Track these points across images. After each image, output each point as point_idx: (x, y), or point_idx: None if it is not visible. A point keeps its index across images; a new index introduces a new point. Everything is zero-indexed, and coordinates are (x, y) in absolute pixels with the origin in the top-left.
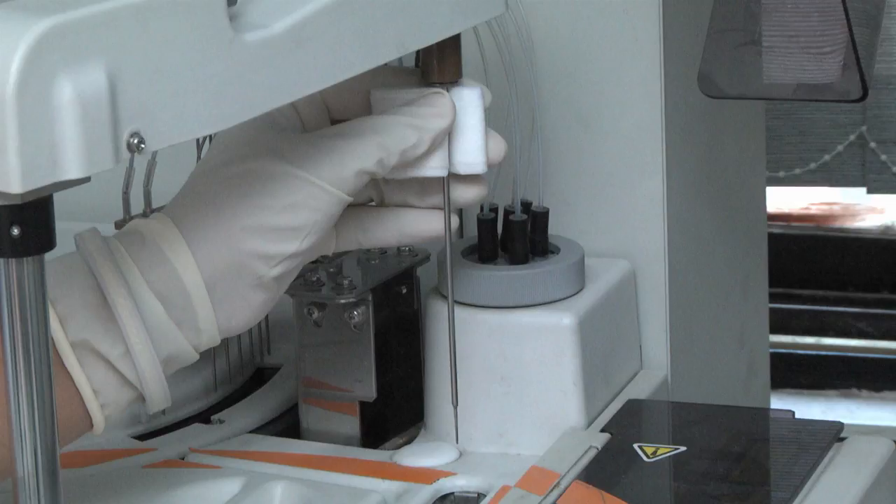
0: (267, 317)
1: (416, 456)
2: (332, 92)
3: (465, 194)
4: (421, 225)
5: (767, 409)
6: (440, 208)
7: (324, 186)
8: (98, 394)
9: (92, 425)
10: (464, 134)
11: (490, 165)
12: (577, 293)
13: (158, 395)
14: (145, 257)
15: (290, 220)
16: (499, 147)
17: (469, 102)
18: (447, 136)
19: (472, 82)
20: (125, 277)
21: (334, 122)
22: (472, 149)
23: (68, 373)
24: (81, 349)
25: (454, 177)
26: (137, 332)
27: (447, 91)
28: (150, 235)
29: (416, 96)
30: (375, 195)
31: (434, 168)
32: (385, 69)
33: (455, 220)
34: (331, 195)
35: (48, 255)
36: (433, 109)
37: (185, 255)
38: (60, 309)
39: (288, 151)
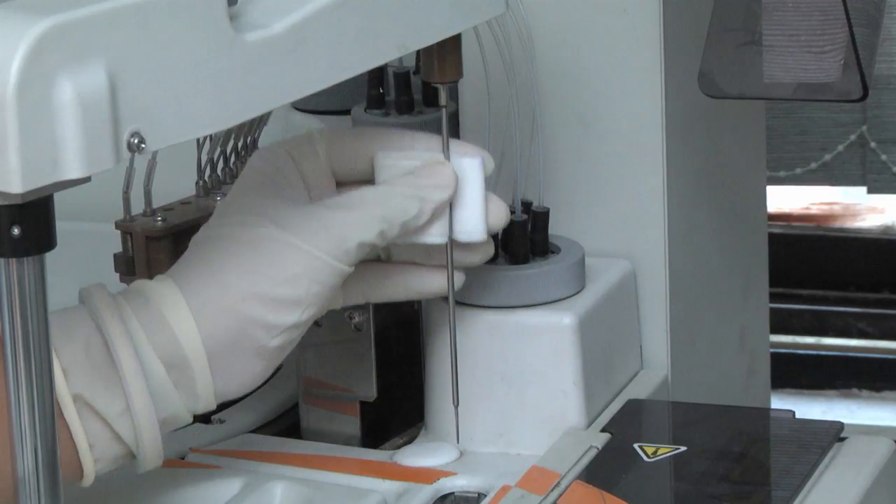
0: None
1: (416, 456)
2: (338, 156)
3: (469, 257)
4: (427, 283)
5: (768, 409)
6: (446, 267)
7: (325, 259)
8: (93, 448)
9: (82, 476)
10: (464, 203)
11: (490, 232)
12: (577, 293)
13: (153, 455)
14: (149, 320)
15: (291, 291)
16: (500, 213)
17: (470, 172)
18: (448, 205)
19: (473, 150)
20: (131, 336)
21: (339, 184)
22: (472, 218)
23: (66, 423)
24: (81, 402)
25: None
26: (140, 392)
27: (448, 160)
28: (154, 298)
29: (419, 163)
30: (382, 252)
31: (434, 235)
32: (390, 132)
33: (460, 277)
34: (332, 267)
35: (48, 256)
36: (435, 180)
37: (188, 321)
38: (63, 360)
39: (291, 223)
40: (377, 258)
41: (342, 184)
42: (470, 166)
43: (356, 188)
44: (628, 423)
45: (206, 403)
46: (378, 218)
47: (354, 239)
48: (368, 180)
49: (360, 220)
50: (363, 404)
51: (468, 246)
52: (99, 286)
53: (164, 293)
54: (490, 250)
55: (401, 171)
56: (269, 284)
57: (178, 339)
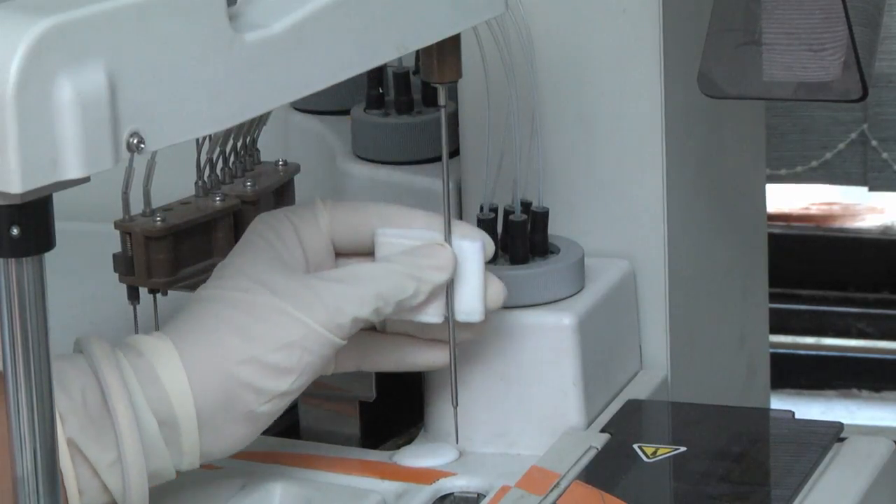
0: None
1: (416, 456)
2: (339, 227)
3: (462, 334)
4: (420, 356)
5: (767, 410)
6: (440, 341)
7: (319, 330)
8: (82, 495)
9: None
10: (463, 285)
11: (488, 313)
12: (577, 293)
13: None
14: (143, 375)
15: (284, 358)
16: (498, 294)
17: (469, 255)
18: (445, 287)
19: (474, 232)
20: (128, 389)
21: (339, 255)
22: (470, 300)
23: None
24: (74, 448)
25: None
26: (133, 444)
27: (449, 243)
28: (149, 353)
29: (419, 242)
30: (377, 322)
31: (431, 315)
32: (391, 208)
33: (464, 335)
34: (326, 339)
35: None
36: (434, 262)
37: (181, 380)
38: (59, 407)
39: (288, 291)
40: (372, 328)
41: (342, 254)
42: (470, 249)
43: (356, 260)
44: (628, 423)
45: (191, 462)
46: (374, 295)
47: (349, 314)
48: (368, 253)
49: (356, 295)
50: (363, 404)
51: (437, 344)
52: (97, 337)
53: (160, 349)
54: (484, 329)
55: (400, 249)
56: (263, 350)
57: (170, 397)
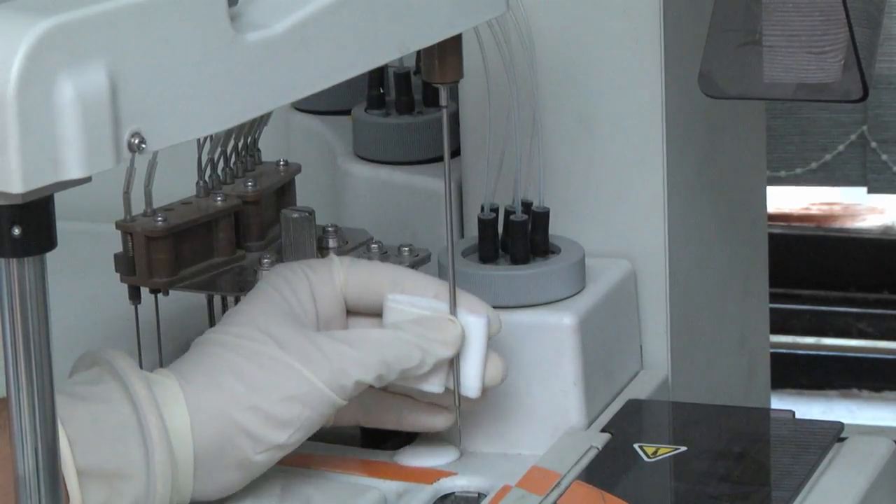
0: None
1: (416, 456)
2: (353, 286)
3: (431, 421)
4: (420, 418)
5: (768, 409)
6: (439, 405)
7: (322, 388)
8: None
9: None
10: (464, 359)
11: (484, 390)
12: (577, 293)
13: None
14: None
15: (285, 411)
16: (497, 372)
17: (474, 330)
18: (449, 360)
19: (480, 307)
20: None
21: (350, 313)
22: (470, 375)
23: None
24: (87, 476)
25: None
26: (163, 453)
27: (456, 317)
28: (155, 390)
29: (427, 312)
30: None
31: (432, 385)
32: (405, 272)
33: (449, 418)
34: (327, 398)
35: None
36: (441, 336)
37: (184, 423)
38: (70, 431)
39: (297, 347)
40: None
41: (352, 313)
42: (475, 325)
43: (365, 320)
44: (628, 423)
45: (181, 500)
46: (379, 361)
47: (353, 376)
48: (378, 313)
49: (361, 359)
50: None
51: (436, 408)
52: (122, 353)
53: (166, 386)
54: (480, 401)
55: (408, 316)
56: (265, 400)
57: (170, 433)
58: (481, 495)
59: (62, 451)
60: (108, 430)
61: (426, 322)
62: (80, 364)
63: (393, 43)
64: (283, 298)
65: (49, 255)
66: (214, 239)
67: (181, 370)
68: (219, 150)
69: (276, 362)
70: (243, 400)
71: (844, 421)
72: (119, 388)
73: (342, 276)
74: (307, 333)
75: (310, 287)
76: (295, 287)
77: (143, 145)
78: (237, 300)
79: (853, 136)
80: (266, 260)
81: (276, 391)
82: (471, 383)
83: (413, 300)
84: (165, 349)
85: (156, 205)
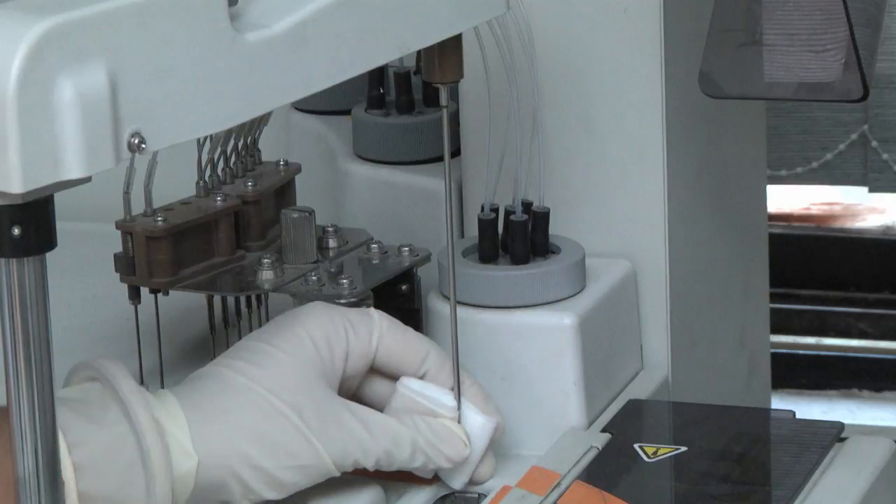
0: (268, 315)
1: None
2: (384, 351)
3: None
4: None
5: (768, 410)
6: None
7: (328, 463)
8: None
9: None
10: None
11: (471, 484)
12: (577, 293)
13: None
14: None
15: (288, 477)
16: (487, 472)
17: (479, 431)
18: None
19: (492, 409)
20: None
21: (371, 369)
22: (463, 472)
23: None
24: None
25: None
26: (164, 479)
27: (461, 413)
28: (162, 417)
29: (434, 406)
30: None
31: (422, 471)
32: (433, 355)
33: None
34: (328, 471)
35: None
36: (448, 450)
37: (190, 471)
38: (76, 456)
39: (319, 421)
40: None
41: (373, 370)
42: (484, 427)
43: (378, 381)
44: (629, 423)
45: None
46: (385, 451)
47: (354, 457)
48: (394, 379)
49: (370, 445)
50: None
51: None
52: (119, 365)
53: (176, 425)
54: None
55: (415, 406)
56: (274, 464)
57: (175, 480)
58: (481, 495)
59: (66, 476)
60: (114, 462)
61: (440, 431)
62: (75, 376)
63: (393, 43)
64: (319, 356)
65: (49, 255)
66: (214, 239)
67: (199, 405)
68: (219, 150)
69: (296, 432)
70: (253, 460)
71: (845, 421)
72: (125, 422)
73: (377, 339)
74: (331, 403)
75: (346, 347)
76: (333, 346)
77: (143, 145)
78: (237, 300)
79: (854, 136)
80: (266, 260)
81: (286, 458)
82: (458, 476)
83: (425, 390)
84: (165, 349)
85: (156, 205)
